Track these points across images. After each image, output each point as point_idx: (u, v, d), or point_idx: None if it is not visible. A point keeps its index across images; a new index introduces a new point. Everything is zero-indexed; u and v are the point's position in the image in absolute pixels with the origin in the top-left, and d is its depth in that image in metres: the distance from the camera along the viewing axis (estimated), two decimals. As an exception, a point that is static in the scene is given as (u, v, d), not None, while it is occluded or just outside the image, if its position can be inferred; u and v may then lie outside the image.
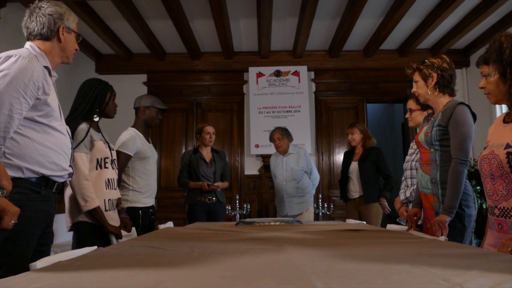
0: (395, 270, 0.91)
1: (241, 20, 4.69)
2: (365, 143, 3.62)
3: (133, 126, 2.82)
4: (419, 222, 2.06)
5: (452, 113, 1.83)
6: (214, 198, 3.64)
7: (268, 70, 5.59)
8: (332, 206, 4.76)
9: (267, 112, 5.50)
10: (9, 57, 1.43)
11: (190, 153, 3.74)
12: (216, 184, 3.60)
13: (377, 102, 6.34)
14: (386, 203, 3.50)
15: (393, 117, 7.79)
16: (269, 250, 1.31)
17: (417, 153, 2.57)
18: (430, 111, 2.22)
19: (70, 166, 1.64)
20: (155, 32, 4.96)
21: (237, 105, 5.72)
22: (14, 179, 1.43)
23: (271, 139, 4.00)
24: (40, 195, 1.52)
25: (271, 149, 5.39)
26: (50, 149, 1.53)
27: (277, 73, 5.58)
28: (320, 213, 4.66)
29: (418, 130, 2.17)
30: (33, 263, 1.05)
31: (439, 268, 0.91)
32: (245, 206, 4.79)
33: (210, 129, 3.70)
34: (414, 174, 2.52)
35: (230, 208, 4.45)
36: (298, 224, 2.62)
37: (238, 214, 4.92)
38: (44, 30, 1.62)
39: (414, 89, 2.02)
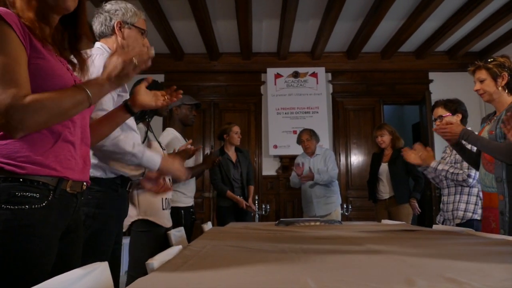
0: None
1: (264, 21, 4.71)
2: (394, 145, 3.67)
3: (170, 127, 2.84)
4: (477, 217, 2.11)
5: None
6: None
7: (286, 71, 5.61)
8: (350, 207, 4.80)
9: (285, 113, 5.52)
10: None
11: (217, 154, 3.76)
12: (250, 206, 3.69)
13: (394, 104, 6.39)
14: (417, 204, 3.53)
15: (403, 118, 7.84)
16: (360, 249, 1.33)
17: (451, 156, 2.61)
18: (459, 116, 2.27)
19: None
20: (176, 33, 4.97)
21: (254, 106, 5.74)
22: (96, 179, 1.45)
23: (299, 140, 4.03)
24: (118, 193, 1.54)
25: (289, 150, 5.44)
26: None
27: (295, 74, 5.60)
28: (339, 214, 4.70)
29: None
30: (150, 262, 1.06)
31: None
32: (263, 206, 4.82)
33: (237, 128, 3.78)
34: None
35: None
36: (340, 225, 2.65)
37: (257, 215, 4.95)
38: (103, 27, 1.63)
39: (478, 87, 2.04)
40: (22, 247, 0.97)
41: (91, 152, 1.45)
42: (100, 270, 0.98)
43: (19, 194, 0.98)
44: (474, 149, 2.18)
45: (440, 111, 2.57)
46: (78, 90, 1.05)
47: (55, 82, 1.04)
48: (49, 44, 1.09)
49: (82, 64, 1.23)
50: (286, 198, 5.51)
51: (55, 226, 1.06)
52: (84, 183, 1.16)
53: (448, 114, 2.56)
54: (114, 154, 1.43)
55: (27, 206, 0.98)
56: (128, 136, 1.48)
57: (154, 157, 1.53)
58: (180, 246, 1.40)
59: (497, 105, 2.03)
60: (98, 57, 1.49)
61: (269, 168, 5.62)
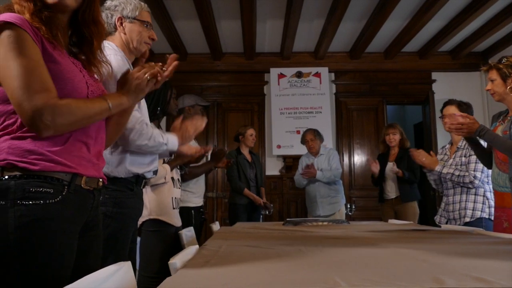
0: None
1: (268, 21, 4.71)
2: (402, 145, 3.69)
3: (180, 126, 2.85)
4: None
5: None
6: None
7: (290, 71, 5.61)
8: (354, 207, 4.81)
9: (288, 113, 5.53)
10: None
11: (235, 154, 3.82)
12: (266, 203, 3.81)
13: (397, 104, 6.40)
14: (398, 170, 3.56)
15: (405, 118, 7.85)
16: (377, 249, 1.34)
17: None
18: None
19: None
20: (180, 33, 4.97)
21: (257, 106, 5.74)
22: (112, 178, 1.45)
23: (303, 140, 4.05)
24: (133, 192, 1.55)
25: (293, 150, 5.45)
26: None
27: (299, 74, 5.61)
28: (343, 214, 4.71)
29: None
30: (172, 262, 1.06)
31: None
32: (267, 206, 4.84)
33: (252, 131, 3.92)
34: None
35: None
36: (348, 224, 2.65)
37: (261, 215, 4.96)
38: (105, 25, 1.57)
39: (489, 87, 2.06)
40: (39, 242, 0.99)
41: (108, 151, 1.46)
42: (124, 269, 0.99)
43: (34, 190, 1.00)
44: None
45: (453, 109, 2.59)
46: (103, 101, 1.12)
47: (65, 86, 1.06)
48: (60, 45, 1.10)
49: (99, 67, 1.24)
50: (289, 198, 5.51)
51: (72, 221, 1.08)
52: (100, 180, 1.18)
53: (460, 115, 2.58)
54: (153, 148, 1.52)
55: (41, 201, 1.00)
56: (154, 129, 1.54)
57: (172, 138, 1.63)
58: (197, 246, 1.41)
59: (509, 104, 2.04)
60: (113, 57, 1.49)
61: (273, 168, 5.62)
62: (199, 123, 1.78)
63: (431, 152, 2.72)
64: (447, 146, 2.81)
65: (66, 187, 1.05)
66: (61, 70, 1.06)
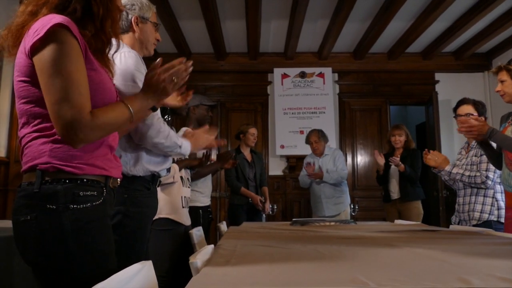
0: None
1: (273, 21, 4.72)
2: (407, 146, 3.70)
3: (186, 126, 2.84)
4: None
5: None
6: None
7: (293, 71, 5.62)
8: (357, 207, 4.81)
9: (292, 113, 5.53)
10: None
11: (233, 153, 3.78)
12: (266, 206, 3.76)
13: (400, 104, 6.40)
14: (399, 162, 3.56)
15: (407, 119, 7.86)
16: (392, 249, 1.34)
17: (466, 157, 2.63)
18: (483, 119, 2.28)
19: None
20: (184, 32, 4.97)
21: (261, 106, 5.74)
22: (132, 177, 1.46)
23: (308, 141, 4.04)
24: (150, 191, 1.55)
25: (296, 150, 5.46)
26: None
27: (302, 75, 5.61)
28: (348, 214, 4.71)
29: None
30: (194, 261, 1.07)
31: None
32: (270, 206, 4.83)
33: (254, 130, 3.83)
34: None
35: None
36: (355, 224, 2.66)
37: (264, 215, 4.96)
38: (120, 23, 1.59)
39: (499, 88, 2.07)
40: (95, 242, 1.05)
41: (122, 151, 1.47)
42: (146, 268, 0.99)
43: (82, 194, 1.05)
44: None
45: (469, 109, 2.57)
46: (126, 109, 1.11)
47: (104, 95, 1.10)
48: (95, 54, 1.13)
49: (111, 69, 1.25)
50: (292, 198, 5.52)
51: (109, 219, 1.15)
52: (119, 179, 1.23)
53: (476, 114, 2.57)
54: (169, 148, 1.52)
55: (89, 204, 1.05)
56: (170, 129, 1.53)
57: (186, 143, 1.62)
58: (212, 246, 1.41)
59: None
60: (128, 54, 1.49)
61: (276, 168, 5.63)
62: (210, 139, 1.80)
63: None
64: (465, 145, 2.81)
65: (104, 188, 1.10)
66: (102, 79, 1.10)
